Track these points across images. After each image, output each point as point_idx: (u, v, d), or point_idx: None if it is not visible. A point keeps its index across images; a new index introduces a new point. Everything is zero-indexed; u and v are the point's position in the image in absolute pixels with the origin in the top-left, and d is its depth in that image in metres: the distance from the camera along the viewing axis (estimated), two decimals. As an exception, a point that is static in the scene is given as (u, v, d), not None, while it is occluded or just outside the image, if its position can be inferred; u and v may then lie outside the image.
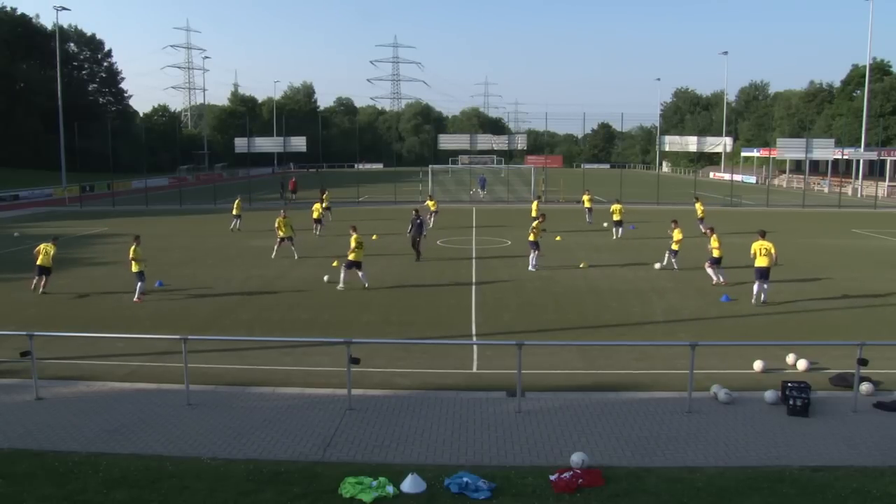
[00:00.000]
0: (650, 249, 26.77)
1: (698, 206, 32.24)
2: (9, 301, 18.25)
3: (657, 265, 22.51)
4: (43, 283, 19.16)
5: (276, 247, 25.12)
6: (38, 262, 19.12)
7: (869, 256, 25.95)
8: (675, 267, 22.18)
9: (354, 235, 19.28)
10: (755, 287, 17.65)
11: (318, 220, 31.56)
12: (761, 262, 17.45)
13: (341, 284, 19.20)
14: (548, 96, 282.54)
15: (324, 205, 37.91)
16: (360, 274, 19.20)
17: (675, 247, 22.24)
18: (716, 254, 19.73)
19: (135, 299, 17.89)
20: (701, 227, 31.67)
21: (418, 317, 16.50)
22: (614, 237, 29.74)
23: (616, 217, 29.79)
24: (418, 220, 24.60)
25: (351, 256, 19.15)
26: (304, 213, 34.75)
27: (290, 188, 53.05)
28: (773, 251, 17.53)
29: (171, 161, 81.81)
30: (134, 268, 18.15)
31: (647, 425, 9.81)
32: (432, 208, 34.79)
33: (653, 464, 8.64)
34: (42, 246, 19.33)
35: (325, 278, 20.45)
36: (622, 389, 11.51)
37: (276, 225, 25.16)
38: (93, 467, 8.41)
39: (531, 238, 22.50)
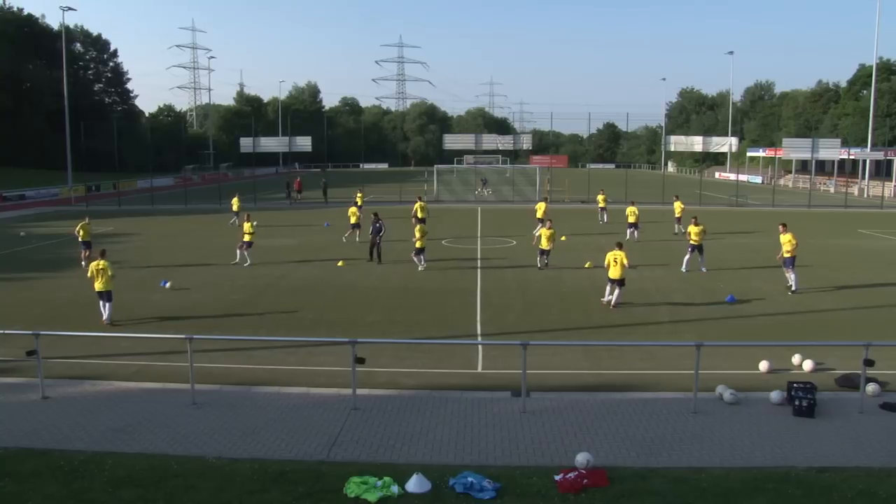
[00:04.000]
0: (654, 250, 26.77)
1: (677, 205, 31.52)
2: (15, 300, 18.31)
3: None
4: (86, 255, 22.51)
5: (238, 251, 23.86)
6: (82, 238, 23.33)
7: (875, 257, 25.85)
8: (539, 265, 22.22)
9: (419, 226, 22.62)
10: (616, 295, 17.11)
11: (356, 226, 28.68)
12: (614, 272, 16.96)
13: (420, 267, 22.16)
14: (553, 96, 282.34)
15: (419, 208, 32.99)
16: (421, 257, 22.38)
17: (544, 245, 22.05)
18: (787, 253, 19.11)
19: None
20: (677, 226, 31.30)
21: (423, 317, 16.50)
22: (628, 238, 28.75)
23: (539, 215, 29.05)
24: (377, 224, 23.93)
25: (418, 245, 22.20)
26: (309, 213, 34.78)
27: (296, 188, 53.18)
28: (625, 261, 16.97)
29: (176, 161, 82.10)
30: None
31: (653, 426, 9.78)
32: (420, 214, 29.44)
33: (658, 464, 8.62)
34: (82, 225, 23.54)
35: (340, 264, 23.12)
36: (627, 390, 11.48)
37: (245, 229, 23.74)
38: (98, 466, 8.43)
39: (696, 241, 21.84)
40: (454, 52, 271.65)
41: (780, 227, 19.73)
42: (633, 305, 17.50)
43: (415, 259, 22.43)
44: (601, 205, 37.06)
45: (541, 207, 30.16)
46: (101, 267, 15.75)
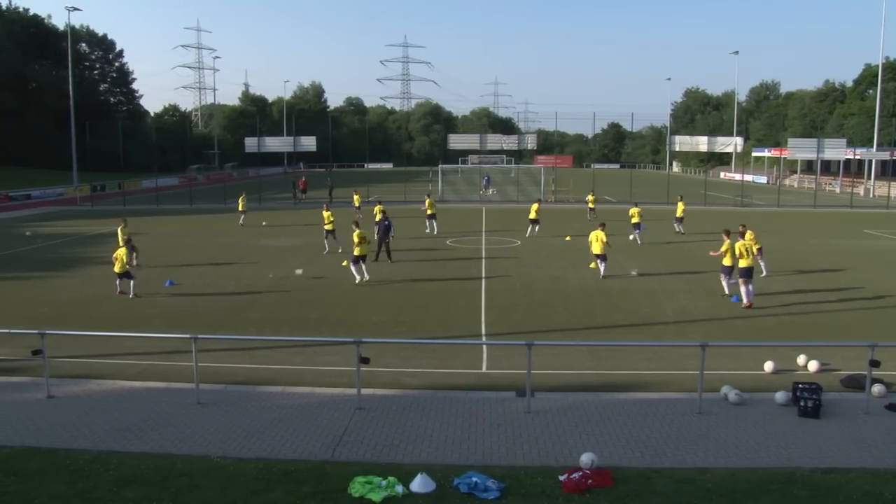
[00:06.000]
0: (659, 250, 26.73)
1: (680, 206, 32.00)
2: (21, 300, 18.37)
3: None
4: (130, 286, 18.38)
5: (325, 241, 25.95)
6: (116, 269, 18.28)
7: (881, 257, 25.76)
8: (603, 273, 21.00)
9: (357, 231, 20.24)
10: (748, 288, 17.07)
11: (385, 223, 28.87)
12: (745, 262, 16.97)
13: (357, 278, 19.99)
14: (558, 96, 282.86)
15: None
16: (363, 267, 20.11)
17: (597, 250, 20.80)
18: (727, 262, 18.03)
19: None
20: (678, 226, 31.76)
21: (428, 316, 16.50)
22: (527, 235, 30.23)
23: (532, 216, 30.44)
24: (386, 222, 24.06)
25: (356, 252, 20.01)
26: (314, 213, 34.80)
27: (301, 188, 53.26)
28: (754, 249, 16.91)
29: (181, 161, 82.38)
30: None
31: (657, 426, 9.76)
32: (429, 211, 32.05)
33: (662, 465, 8.60)
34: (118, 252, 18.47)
35: (344, 263, 21.59)
36: (632, 390, 11.46)
37: (325, 218, 25.90)
38: (103, 465, 8.45)
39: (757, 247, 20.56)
40: (459, 51, 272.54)
41: (737, 230, 18.36)
42: (637, 305, 17.48)
43: (352, 268, 20.04)
44: (591, 206, 38.24)
45: (534, 208, 30.98)
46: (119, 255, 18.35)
